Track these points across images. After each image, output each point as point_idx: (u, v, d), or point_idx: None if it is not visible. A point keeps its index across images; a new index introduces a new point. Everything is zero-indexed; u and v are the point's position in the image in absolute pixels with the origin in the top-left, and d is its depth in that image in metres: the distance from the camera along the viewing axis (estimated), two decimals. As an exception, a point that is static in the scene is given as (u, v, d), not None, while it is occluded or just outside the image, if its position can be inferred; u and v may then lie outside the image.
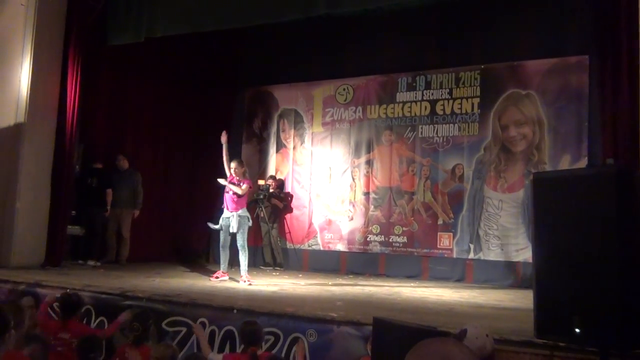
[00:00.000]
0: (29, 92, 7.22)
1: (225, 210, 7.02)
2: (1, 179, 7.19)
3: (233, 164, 7.07)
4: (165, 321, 4.93)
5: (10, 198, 7.12)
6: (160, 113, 9.40)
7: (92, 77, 8.12)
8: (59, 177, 7.47)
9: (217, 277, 6.96)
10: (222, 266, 7.06)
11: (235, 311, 4.78)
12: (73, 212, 8.07)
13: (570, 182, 2.71)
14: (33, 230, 7.22)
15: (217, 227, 7.06)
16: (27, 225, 7.15)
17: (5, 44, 7.43)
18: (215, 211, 9.08)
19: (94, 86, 8.24)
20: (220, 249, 7.06)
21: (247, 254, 6.95)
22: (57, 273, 6.70)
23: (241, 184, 6.95)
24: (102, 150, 8.62)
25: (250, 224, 7.12)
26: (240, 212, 6.95)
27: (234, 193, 6.92)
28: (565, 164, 7.63)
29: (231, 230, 6.91)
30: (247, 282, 6.75)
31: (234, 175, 7.02)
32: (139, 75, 8.99)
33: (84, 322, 5.14)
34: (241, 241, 6.92)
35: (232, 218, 6.90)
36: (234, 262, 7.41)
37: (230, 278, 7.04)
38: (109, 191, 8.14)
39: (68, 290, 5.37)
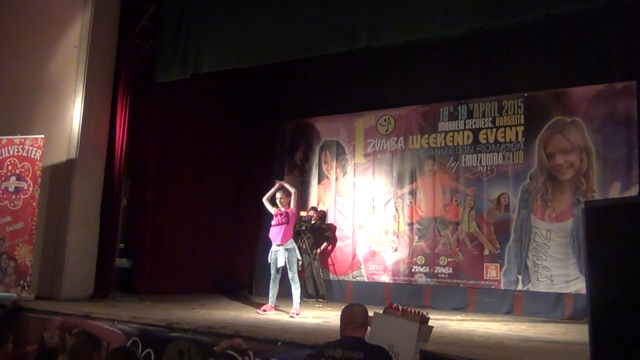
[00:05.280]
0: (80, 129, 7.48)
1: (273, 244, 7.06)
2: (54, 213, 7.42)
3: (279, 194, 7.14)
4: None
5: (61, 231, 7.34)
6: (205, 146, 9.61)
7: (140, 114, 8.38)
8: (108, 211, 7.66)
9: (264, 311, 6.94)
10: (270, 300, 7.04)
11: (279, 343, 4.76)
12: (121, 244, 8.26)
13: (624, 210, 2.62)
14: (83, 262, 7.40)
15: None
16: (77, 258, 7.34)
17: (59, 83, 7.77)
18: (259, 243, 9.20)
19: (141, 122, 8.51)
20: (271, 282, 7.05)
21: (299, 287, 6.97)
22: (106, 305, 6.84)
23: (289, 216, 7.01)
24: (149, 184, 8.84)
25: (298, 256, 7.13)
26: (286, 245, 6.98)
27: (279, 224, 6.97)
28: (615, 192, 7.41)
29: (278, 265, 6.95)
30: (294, 314, 6.73)
31: (279, 205, 7.08)
32: (185, 111, 9.24)
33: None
34: (291, 274, 6.93)
35: (279, 252, 6.95)
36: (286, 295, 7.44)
37: (277, 311, 7.03)
38: None
39: None
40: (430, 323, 6.77)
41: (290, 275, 6.94)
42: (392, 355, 3.49)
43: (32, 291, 7.02)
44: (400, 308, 3.82)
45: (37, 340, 5.25)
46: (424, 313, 3.83)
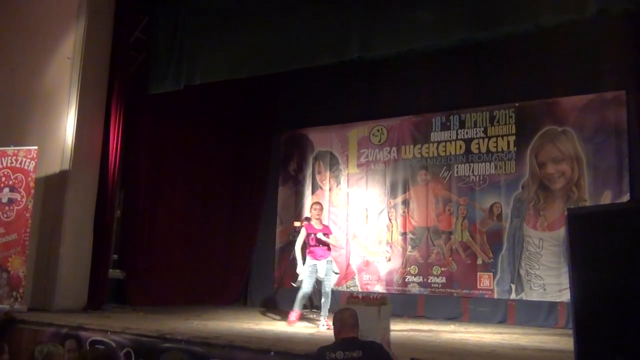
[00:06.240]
0: (74, 140, 7.48)
1: (311, 259, 6.95)
2: (47, 224, 7.41)
3: (317, 206, 7.24)
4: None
5: (55, 243, 7.32)
6: (198, 158, 9.64)
7: (134, 125, 8.40)
8: (101, 222, 7.65)
9: (326, 326, 6.67)
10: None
11: (272, 353, 4.75)
12: (115, 255, 8.25)
13: (607, 217, 2.67)
14: (76, 274, 7.37)
15: (299, 281, 7.04)
16: (70, 269, 7.31)
17: (52, 95, 7.78)
18: (253, 253, 9.20)
19: (135, 134, 8.54)
20: (299, 295, 6.94)
21: (330, 300, 6.92)
22: (99, 316, 6.82)
23: (327, 235, 7.03)
24: (142, 195, 8.85)
25: (336, 269, 7.14)
26: (329, 257, 7.00)
27: (324, 242, 6.96)
28: (606, 200, 7.46)
29: (320, 277, 6.90)
30: (326, 326, 6.61)
31: (315, 218, 7.11)
32: (178, 122, 9.28)
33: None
34: (327, 288, 6.91)
35: (320, 264, 6.89)
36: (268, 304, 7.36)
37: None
38: None
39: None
40: (424, 333, 6.87)
41: (326, 289, 6.89)
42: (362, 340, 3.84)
43: (25, 303, 6.99)
44: (360, 296, 4.30)
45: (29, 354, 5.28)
46: (384, 296, 4.40)
